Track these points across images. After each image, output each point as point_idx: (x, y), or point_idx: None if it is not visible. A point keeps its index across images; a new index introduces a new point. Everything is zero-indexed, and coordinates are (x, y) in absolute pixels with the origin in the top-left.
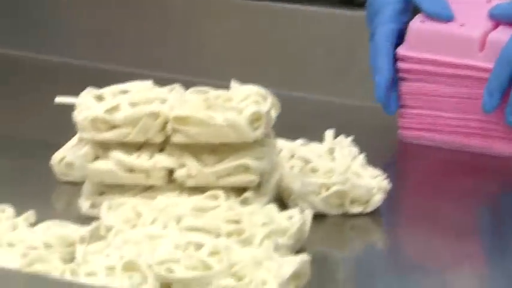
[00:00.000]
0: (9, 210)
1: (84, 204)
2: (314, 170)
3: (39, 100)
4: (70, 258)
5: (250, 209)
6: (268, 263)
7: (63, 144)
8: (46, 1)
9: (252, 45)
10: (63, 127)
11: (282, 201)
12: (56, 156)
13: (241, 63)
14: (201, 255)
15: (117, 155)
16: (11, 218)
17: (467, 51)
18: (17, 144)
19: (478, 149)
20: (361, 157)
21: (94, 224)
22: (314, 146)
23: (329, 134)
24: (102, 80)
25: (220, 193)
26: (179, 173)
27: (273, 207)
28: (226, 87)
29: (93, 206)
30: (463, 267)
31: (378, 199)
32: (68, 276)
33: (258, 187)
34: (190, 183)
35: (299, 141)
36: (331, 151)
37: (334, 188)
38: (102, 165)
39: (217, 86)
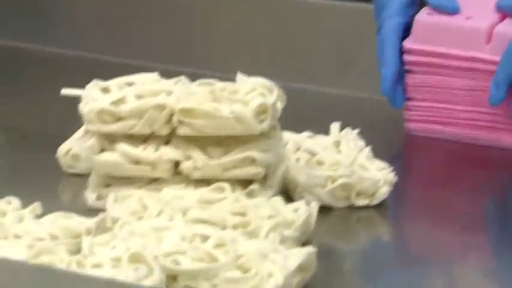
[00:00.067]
0: (15, 202)
1: (90, 196)
2: (320, 163)
3: (46, 92)
4: (76, 250)
5: (256, 202)
6: (274, 255)
7: (69, 136)
8: None
9: (258, 37)
10: (69, 119)
11: (288, 194)
12: (62, 148)
13: (247, 55)
14: (207, 247)
15: (123, 147)
16: (17, 210)
17: (474, 44)
18: (23, 136)
19: (485, 141)
20: (367, 150)
21: (100, 216)
22: (320, 139)
23: (335, 126)
24: (108, 72)
25: (226, 185)
26: (185, 165)
27: (279, 200)
28: (232, 79)
29: (99, 198)
30: (470, 260)
31: (384, 192)
32: (74, 268)
33: (264, 179)
34: (196, 175)
35: (305, 134)
36: (337, 144)
37: (340, 181)
38: (108, 157)
39: (223, 79)
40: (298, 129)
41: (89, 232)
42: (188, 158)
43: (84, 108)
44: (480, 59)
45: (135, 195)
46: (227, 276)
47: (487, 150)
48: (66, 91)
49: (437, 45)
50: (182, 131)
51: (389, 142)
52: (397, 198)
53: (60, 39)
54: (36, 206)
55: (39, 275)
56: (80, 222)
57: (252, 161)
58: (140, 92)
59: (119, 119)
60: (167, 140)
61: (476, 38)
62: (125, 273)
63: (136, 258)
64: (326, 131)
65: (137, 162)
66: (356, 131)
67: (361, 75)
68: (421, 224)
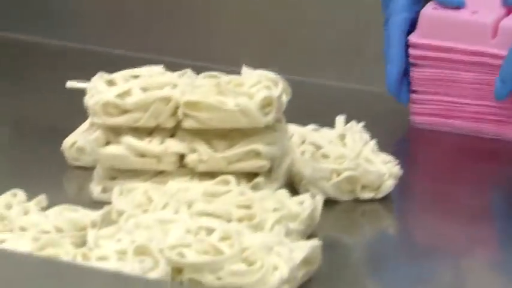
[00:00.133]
0: (20, 194)
1: (95, 189)
2: (325, 156)
3: (51, 85)
4: (81, 243)
5: (261, 194)
6: (279, 248)
7: (74, 129)
8: None
9: (264, 30)
10: (74, 112)
11: (293, 187)
12: (67, 141)
13: (252, 48)
14: (212, 240)
15: (129, 139)
16: (22, 203)
17: (480, 38)
18: (28, 129)
19: (491, 135)
20: (373, 143)
21: (105, 209)
22: (325, 132)
23: (340, 119)
24: (113, 65)
25: (231, 178)
26: (190, 158)
27: (284, 193)
28: (238, 72)
29: (105, 190)
30: (476, 253)
31: (389, 185)
32: (79, 261)
33: (269, 172)
34: (202, 168)
35: (310, 127)
36: (342, 137)
37: (345, 174)
38: (113, 150)
39: (229, 72)
40: (303, 122)
41: (94, 225)
42: (193, 150)
43: (89, 101)
44: (486, 53)
45: (141, 188)
46: (232, 269)
47: (493, 143)
48: (71, 84)
49: (443, 40)
50: (187, 123)
51: (395, 135)
52: (402, 192)
53: (66, 32)
54: (42, 199)
55: (44, 267)
56: (85, 215)
57: (257, 154)
58: (146, 85)
59: (124, 111)
60: (172, 133)
61: (482, 32)
62: (130, 266)
63: (141, 251)
64: (331, 124)
65: (142, 155)
66: (361, 124)
67: (366, 68)
68: (426, 217)
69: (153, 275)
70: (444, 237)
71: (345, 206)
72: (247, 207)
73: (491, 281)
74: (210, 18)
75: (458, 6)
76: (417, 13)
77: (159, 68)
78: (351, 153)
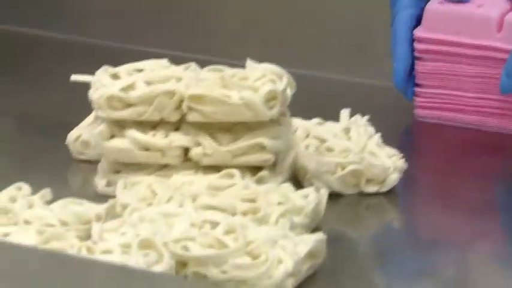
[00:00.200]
0: (25, 188)
1: (99, 183)
2: (330, 149)
3: (55, 79)
4: (86, 236)
5: (266, 188)
6: (283, 242)
7: (78, 123)
8: None
9: (268, 23)
10: (78, 106)
11: (298, 181)
12: (72, 135)
13: (256, 41)
14: (216, 233)
15: (133, 133)
16: (27, 196)
17: (485, 32)
18: (32, 123)
19: (495, 128)
20: (377, 136)
21: (110, 202)
22: (330, 125)
23: (345, 113)
24: (117, 58)
25: (236, 172)
26: (195, 152)
27: (288, 186)
28: (242, 66)
29: (109, 184)
30: (480, 246)
31: (393, 178)
32: (84, 254)
33: (273, 166)
34: (206, 162)
35: (315, 120)
36: (346, 130)
37: (349, 168)
38: (117, 143)
39: (233, 65)
40: (307, 116)
41: (98, 218)
42: (198, 144)
43: (93, 94)
44: (491, 47)
45: (145, 181)
46: (237, 262)
47: (497, 137)
48: (75, 77)
49: (448, 34)
50: (192, 117)
51: (399, 129)
52: (407, 185)
53: (70, 26)
54: (46, 192)
55: (49, 260)
56: (89, 209)
57: (262, 148)
58: (150, 78)
59: (128, 105)
60: (177, 127)
61: (487, 26)
62: (134, 259)
63: (146, 245)
64: (336, 118)
65: (147, 148)
66: (366, 118)
67: (371, 62)
68: (431, 211)
69: (158, 268)
70: (448, 231)
71: (350, 200)
72: (252, 200)
73: (495, 274)
74: (214, 12)
75: (464, 1)
76: (424, 9)
77: (163, 62)
78: (355, 146)
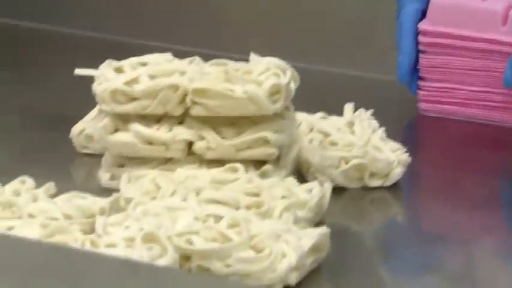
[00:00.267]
0: (29, 181)
1: (103, 176)
2: (333, 143)
3: (59, 73)
4: (90, 230)
5: (270, 182)
6: (287, 236)
7: (82, 117)
8: None
9: (272, 17)
10: (82, 99)
11: (301, 175)
12: (76, 129)
13: (260, 35)
14: (220, 227)
15: (137, 127)
16: (31, 190)
17: (490, 26)
18: (36, 117)
19: (499, 122)
20: (381, 130)
21: (114, 196)
22: (333, 119)
23: (349, 107)
24: (121, 52)
25: (240, 166)
26: (198, 146)
27: (292, 180)
28: (246, 60)
29: (113, 178)
30: (483, 240)
31: (397, 172)
32: (87, 248)
33: (277, 160)
34: (210, 155)
35: (318, 115)
36: (350, 124)
37: (353, 162)
38: (121, 137)
39: (237, 59)
40: (311, 110)
41: (102, 212)
42: (201, 138)
43: (97, 88)
44: (496, 40)
45: (149, 175)
46: (240, 256)
47: (500, 130)
48: (79, 71)
49: (453, 27)
50: (195, 111)
51: (403, 123)
52: (411, 179)
53: (74, 20)
54: (50, 186)
55: (53, 254)
56: (93, 202)
57: (266, 142)
58: (154, 72)
59: (132, 99)
60: (180, 121)
61: (492, 19)
62: (138, 253)
63: (149, 238)
64: (340, 112)
65: (150, 142)
66: (370, 111)
67: (375, 56)
68: (435, 205)
69: (161, 262)
70: (452, 225)
71: (353, 194)
72: (256, 194)
73: (499, 268)
74: (218, 6)
75: None
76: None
77: (166, 56)
78: (359, 140)
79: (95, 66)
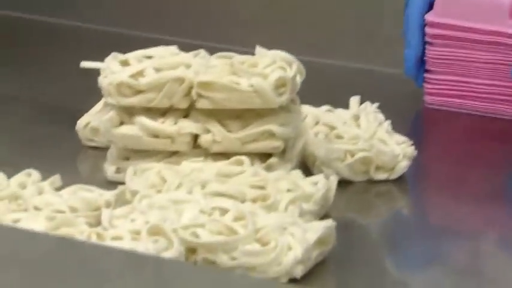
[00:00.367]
0: (35, 174)
1: (109, 169)
2: (339, 137)
3: (65, 65)
4: (96, 222)
5: (275, 175)
6: (293, 229)
7: (88, 110)
8: None
9: (278, 10)
10: (88, 92)
11: (307, 168)
12: (81, 122)
13: (266, 28)
14: (226, 220)
15: (142, 120)
16: (37, 182)
17: (497, 18)
18: (42, 110)
19: (504, 115)
20: (387, 123)
21: (119, 189)
22: (339, 113)
23: (354, 100)
24: (127, 45)
25: (245, 159)
26: (204, 139)
27: (298, 173)
28: (251, 53)
29: (118, 171)
30: (489, 233)
31: (403, 166)
32: (93, 240)
33: (282, 153)
34: (215, 148)
35: (324, 108)
36: (356, 117)
37: (359, 155)
38: (127, 130)
39: (242, 52)
40: (317, 103)
41: (108, 205)
42: (207, 131)
43: (103, 81)
44: (503, 33)
45: (154, 168)
46: (246, 249)
47: (507, 123)
48: (85, 64)
49: (460, 19)
50: (201, 104)
51: (409, 116)
52: (417, 172)
53: (80, 13)
54: (56, 179)
55: (59, 246)
56: (99, 195)
57: (271, 135)
58: (159, 65)
59: (138, 92)
60: (186, 113)
61: (499, 12)
62: (144, 246)
63: (155, 231)
64: (345, 105)
65: (156, 135)
66: (375, 105)
67: (380, 49)
68: (440, 198)
69: (167, 254)
70: (458, 218)
71: (359, 187)
72: (261, 187)
73: (504, 261)
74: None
75: None
76: None
77: (172, 49)
78: (365, 134)
79: (101, 59)
